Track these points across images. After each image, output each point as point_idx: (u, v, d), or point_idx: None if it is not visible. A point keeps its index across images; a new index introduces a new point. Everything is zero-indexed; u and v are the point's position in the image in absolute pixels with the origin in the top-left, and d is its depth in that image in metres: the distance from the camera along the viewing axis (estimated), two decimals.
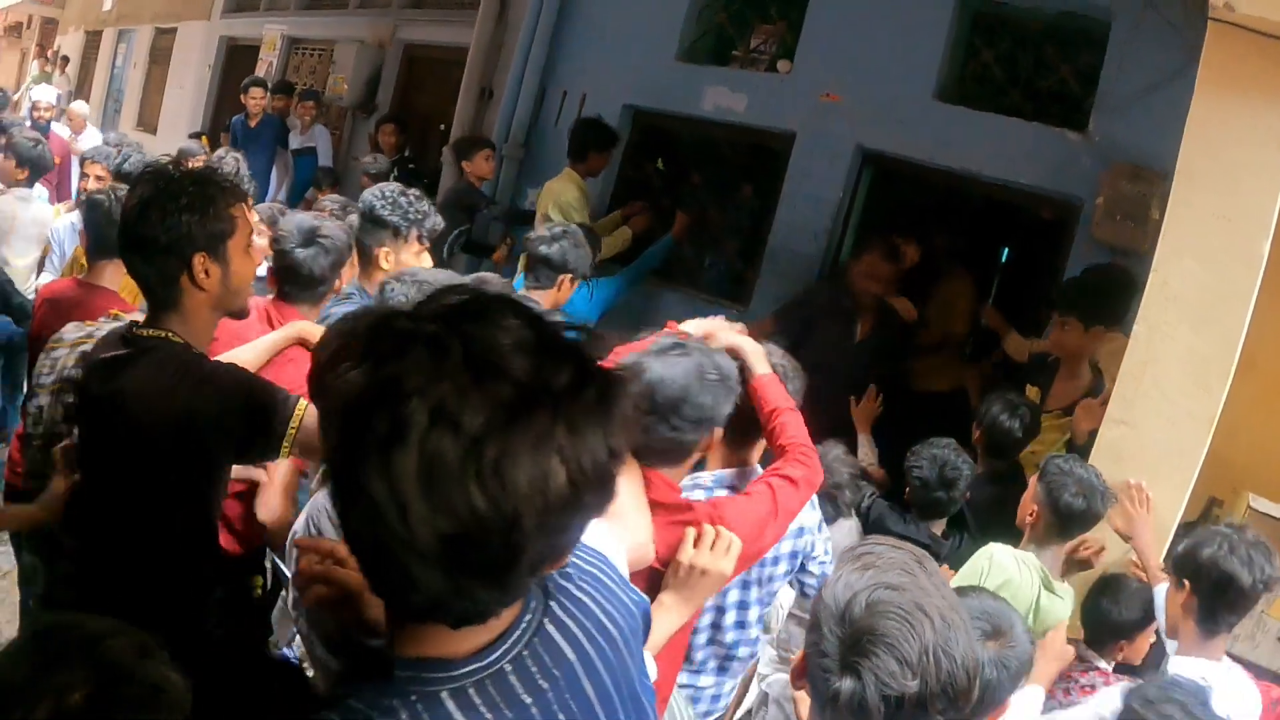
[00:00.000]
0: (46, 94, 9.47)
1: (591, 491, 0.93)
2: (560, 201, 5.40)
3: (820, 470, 2.36)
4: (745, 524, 2.12)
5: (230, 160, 5.00)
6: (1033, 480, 3.17)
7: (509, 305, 0.95)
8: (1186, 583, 2.67)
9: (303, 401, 2.07)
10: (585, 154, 5.57)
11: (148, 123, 13.46)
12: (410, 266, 3.03)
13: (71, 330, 2.84)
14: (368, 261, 3.20)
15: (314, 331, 2.71)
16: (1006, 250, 5.43)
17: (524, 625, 1.07)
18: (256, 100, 8.57)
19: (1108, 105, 4.35)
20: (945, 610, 1.43)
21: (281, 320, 2.89)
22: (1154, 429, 3.29)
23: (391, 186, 3.27)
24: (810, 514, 2.63)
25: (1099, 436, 3.42)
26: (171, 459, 2.03)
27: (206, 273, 2.08)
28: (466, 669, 1.02)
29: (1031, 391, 4.08)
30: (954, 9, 4.92)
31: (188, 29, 12.73)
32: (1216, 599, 2.63)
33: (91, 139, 8.70)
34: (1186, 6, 4.03)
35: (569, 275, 3.85)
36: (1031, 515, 3.08)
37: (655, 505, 2.03)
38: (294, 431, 2.06)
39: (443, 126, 7.23)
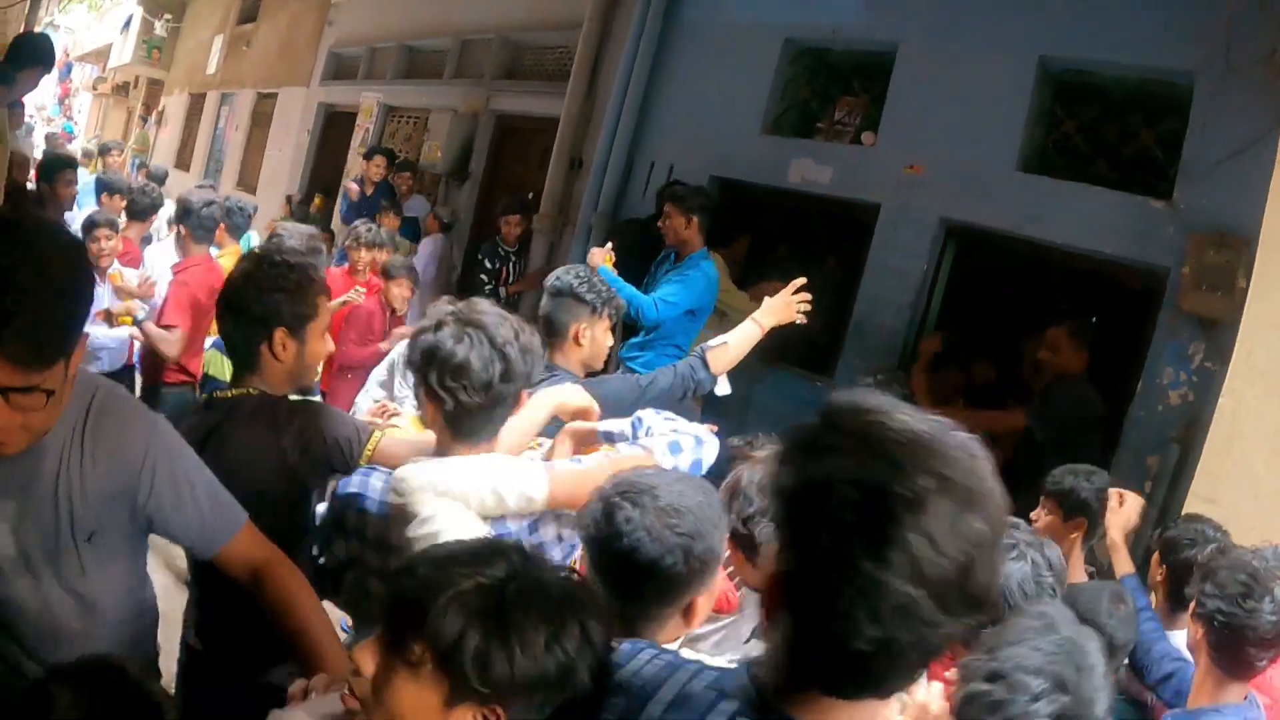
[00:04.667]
0: None
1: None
2: None
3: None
4: None
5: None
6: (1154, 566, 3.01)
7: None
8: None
9: (377, 433, 2.35)
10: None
11: (247, 183, 13.97)
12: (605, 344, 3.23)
13: None
14: (563, 339, 3.21)
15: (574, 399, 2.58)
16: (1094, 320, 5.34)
17: None
18: (378, 168, 8.87)
19: (1192, 172, 4.29)
20: None
21: None
22: (1240, 505, 3.24)
23: (580, 267, 3.36)
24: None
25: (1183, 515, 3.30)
26: (281, 501, 2.26)
27: (284, 347, 2.34)
28: None
29: None
30: (1035, 79, 4.94)
31: (288, 94, 13.23)
32: None
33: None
34: (1271, 69, 4.00)
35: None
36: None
37: None
38: (369, 454, 2.31)
39: (531, 195, 7.48)
